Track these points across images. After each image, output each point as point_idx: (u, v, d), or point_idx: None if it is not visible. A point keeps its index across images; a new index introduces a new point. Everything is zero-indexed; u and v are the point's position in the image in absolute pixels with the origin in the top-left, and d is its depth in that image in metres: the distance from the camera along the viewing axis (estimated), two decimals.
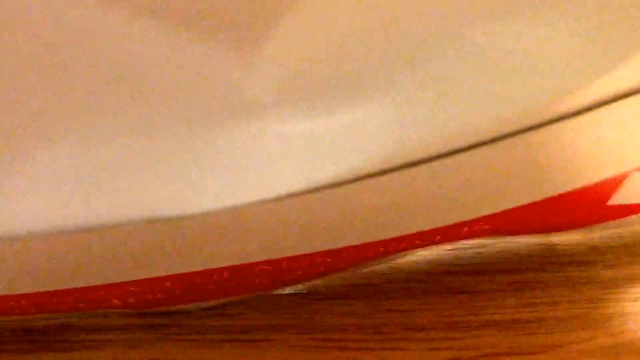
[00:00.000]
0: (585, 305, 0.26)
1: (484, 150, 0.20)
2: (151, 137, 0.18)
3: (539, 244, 0.29)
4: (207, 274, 0.21)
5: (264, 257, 0.21)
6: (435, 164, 0.20)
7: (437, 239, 0.24)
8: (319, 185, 0.19)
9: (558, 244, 0.29)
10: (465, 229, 0.23)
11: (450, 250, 0.29)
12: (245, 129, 0.18)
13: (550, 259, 0.28)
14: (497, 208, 0.23)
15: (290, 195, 0.19)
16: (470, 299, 0.26)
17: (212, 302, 0.24)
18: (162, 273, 0.20)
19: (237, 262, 0.21)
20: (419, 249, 0.25)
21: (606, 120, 0.21)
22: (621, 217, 0.26)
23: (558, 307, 0.26)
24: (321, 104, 0.18)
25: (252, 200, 0.19)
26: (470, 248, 0.29)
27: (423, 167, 0.20)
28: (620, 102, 0.21)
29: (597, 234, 0.30)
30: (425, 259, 0.28)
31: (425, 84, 0.19)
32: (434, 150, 0.20)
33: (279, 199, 0.19)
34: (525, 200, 0.23)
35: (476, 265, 0.28)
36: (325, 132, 0.19)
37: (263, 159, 0.18)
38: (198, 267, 0.21)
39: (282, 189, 0.19)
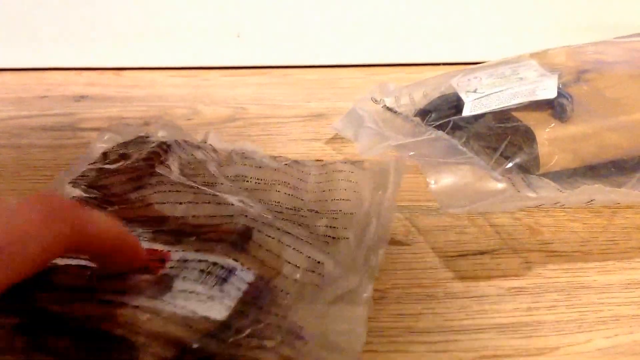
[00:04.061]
0: (581, 309, 0.27)
1: None
2: None
3: (538, 251, 0.30)
4: None
5: None
6: None
7: None
8: None
9: (555, 251, 0.30)
10: None
11: (452, 256, 0.29)
12: None
13: (547, 266, 0.29)
14: None
15: None
16: (470, 304, 0.27)
17: None
18: None
19: None
20: None
21: None
22: None
23: (555, 311, 0.26)
24: None
25: None
26: (472, 255, 0.29)
27: None
28: None
29: (593, 241, 0.30)
30: (428, 265, 0.29)
31: None
32: None
33: None
34: None
35: (476, 271, 0.29)
36: None
37: None
38: None
39: None
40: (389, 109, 0.38)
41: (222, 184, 0.30)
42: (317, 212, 0.29)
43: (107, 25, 0.49)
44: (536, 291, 0.27)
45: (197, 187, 0.29)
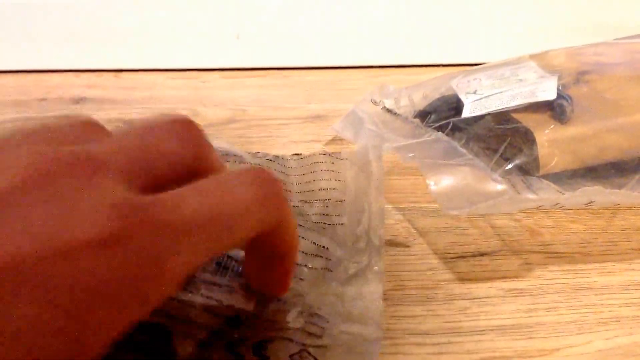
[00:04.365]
0: (581, 310, 0.27)
1: None
2: None
3: (538, 252, 0.30)
4: None
5: None
6: None
7: None
8: None
9: (556, 252, 0.30)
10: None
11: (452, 258, 0.29)
12: None
13: (547, 267, 0.29)
14: None
15: None
16: (470, 305, 0.27)
17: None
18: None
19: None
20: None
21: None
22: None
23: (555, 312, 0.27)
24: None
25: None
26: (472, 256, 0.30)
27: None
28: None
29: (593, 242, 0.31)
30: (428, 267, 0.29)
31: None
32: None
33: None
34: None
35: (476, 272, 0.29)
36: None
37: None
38: None
39: None
40: (389, 111, 0.38)
41: None
42: (306, 201, 0.30)
43: (106, 27, 0.49)
44: (536, 292, 0.27)
45: None
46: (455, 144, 0.34)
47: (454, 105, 0.37)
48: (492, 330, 0.26)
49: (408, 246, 0.30)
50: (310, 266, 0.25)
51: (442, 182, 0.30)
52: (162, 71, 0.49)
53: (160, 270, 0.16)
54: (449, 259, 0.29)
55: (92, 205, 0.16)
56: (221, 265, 0.24)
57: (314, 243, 0.27)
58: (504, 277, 0.28)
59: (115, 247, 0.15)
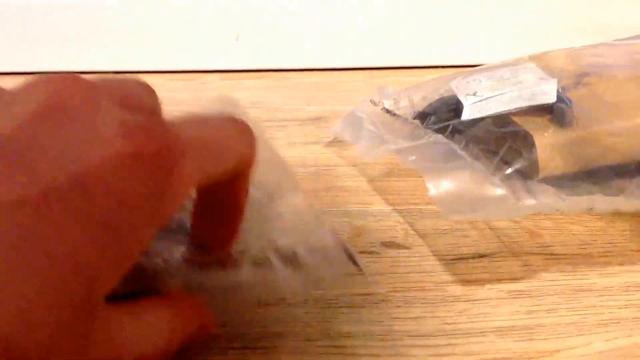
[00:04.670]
0: (581, 311, 0.27)
1: None
2: None
3: (537, 254, 0.30)
4: None
5: None
6: None
7: None
8: None
9: (555, 254, 0.30)
10: None
11: (451, 260, 0.29)
12: None
13: (547, 268, 0.29)
14: None
15: None
16: (470, 307, 0.27)
17: None
18: None
19: None
20: None
21: None
22: None
23: (555, 314, 0.27)
24: None
25: None
26: (471, 258, 0.30)
27: None
28: None
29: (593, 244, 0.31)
30: (427, 268, 0.29)
31: None
32: None
33: None
34: None
35: (476, 274, 0.29)
36: None
37: None
38: None
39: None
40: (388, 112, 0.38)
41: None
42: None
43: (105, 29, 0.49)
44: (536, 294, 0.28)
45: None
46: (455, 146, 0.34)
47: (454, 107, 0.37)
48: (491, 332, 0.26)
49: (408, 248, 0.30)
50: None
51: (442, 186, 0.30)
52: (162, 73, 0.49)
53: (170, 180, 0.18)
54: (449, 260, 0.29)
55: (104, 125, 0.18)
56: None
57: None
58: (503, 279, 0.28)
59: (131, 160, 0.17)
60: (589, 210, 0.31)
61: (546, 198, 0.30)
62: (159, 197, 0.18)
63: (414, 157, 0.33)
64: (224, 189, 0.22)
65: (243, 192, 0.23)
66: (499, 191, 0.30)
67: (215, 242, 0.24)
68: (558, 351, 0.25)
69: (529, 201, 0.30)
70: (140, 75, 0.49)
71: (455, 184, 0.30)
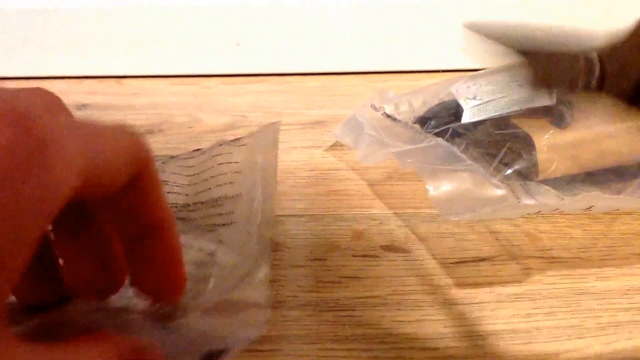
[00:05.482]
0: (580, 315, 0.27)
1: None
2: None
3: (537, 257, 0.30)
4: None
5: None
6: None
7: None
8: None
9: (555, 257, 0.30)
10: None
11: (451, 263, 0.29)
12: None
13: (546, 272, 0.29)
14: None
15: None
16: (470, 310, 0.27)
17: None
18: None
19: None
20: None
21: None
22: None
23: (554, 317, 0.27)
24: None
25: None
26: (471, 261, 0.30)
27: None
28: None
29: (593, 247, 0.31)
30: (427, 272, 0.29)
31: None
32: None
33: None
34: None
35: (476, 277, 0.29)
36: None
37: None
38: None
39: None
40: (389, 116, 0.38)
41: None
42: (202, 202, 0.29)
43: (108, 34, 0.49)
44: (535, 297, 0.28)
45: None
46: (455, 149, 0.34)
47: (454, 111, 0.37)
48: (491, 335, 0.26)
49: (408, 251, 0.30)
50: (193, 274, 0.23)
51: (441, 187, 0.30)
52: (164, 77, 0.49)
53: (46, 164, 0.16)
54: (449, 264, 0.29)
55: None
56: None
57: (200, 249, 0.25)
58: (503, 282, 0.28)
59: (6, 157, 0.16)
60: (588, 210, 0.31)
61: (545, 198, 0.30)
62: (36, 185, 0.16)
63: (413, 160, 0.33)
64: (137, 205, 0.20)
65: (155, 205, 0.21)
66: (499, 191, 0.30)
67: (159, 292, 0.21)
68: (557, 354, 0.25)
69: (529, 202, 0.30)
70: (141, 80, 0.49)
71: (454, 184, 0.31)
